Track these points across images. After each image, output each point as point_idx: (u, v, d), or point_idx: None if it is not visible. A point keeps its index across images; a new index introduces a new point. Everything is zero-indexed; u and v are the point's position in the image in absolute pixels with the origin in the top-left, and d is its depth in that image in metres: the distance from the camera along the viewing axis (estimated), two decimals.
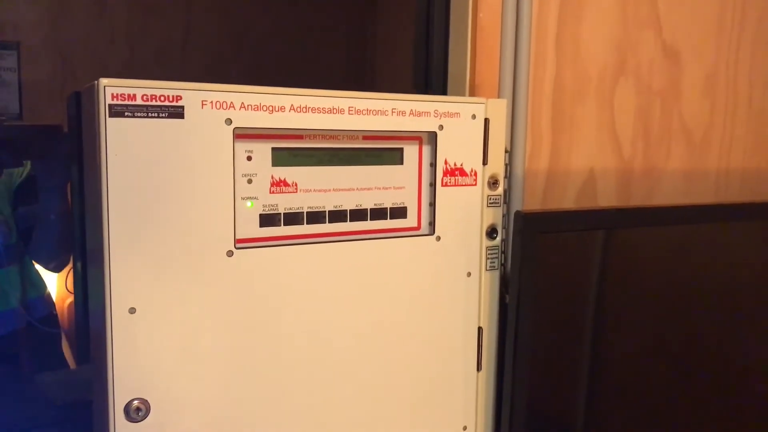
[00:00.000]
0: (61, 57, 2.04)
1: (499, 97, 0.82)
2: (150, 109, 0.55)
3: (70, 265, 1.39)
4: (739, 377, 0.90)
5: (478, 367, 0.75)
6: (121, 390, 0.57)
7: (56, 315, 1.50)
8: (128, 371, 0.57)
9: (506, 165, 0.76)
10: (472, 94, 0.82)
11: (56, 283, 1.66)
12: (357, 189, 0.68)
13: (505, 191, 0.76)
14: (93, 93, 0.55)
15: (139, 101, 0.55)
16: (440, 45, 0.84)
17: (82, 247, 0.69)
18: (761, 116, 1.07)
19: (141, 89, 0.55)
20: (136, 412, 0.58)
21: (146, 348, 0.57)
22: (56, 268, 1.43)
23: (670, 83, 0.98)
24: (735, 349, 0.89)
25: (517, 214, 0.70)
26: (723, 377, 0.89)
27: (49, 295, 1.46)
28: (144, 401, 0.58)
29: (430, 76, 0.85)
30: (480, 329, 0.75)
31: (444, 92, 0.84)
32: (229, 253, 0.60)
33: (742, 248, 0.88)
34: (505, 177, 0.76)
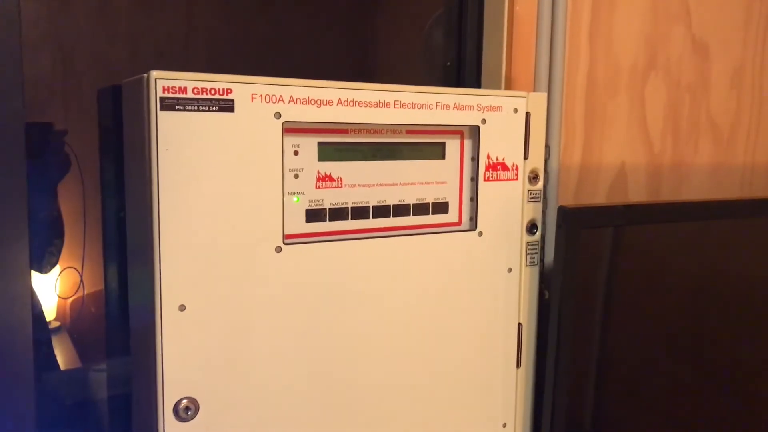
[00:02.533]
0: (62, 53, 2.01)
1: (534, 90, 0.81)
2: (201, 102, 0.54)
3: (59, 267, 1.37)
4: None
5: (518, 364, 0.75)
6: (171, 389, 0.56)
7: (43, 316, 1.46)
8: (178, 370, 0.56)
9: (546, 160, 0.75)
10: (508, 87, 0.81)
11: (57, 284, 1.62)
12: (400, 184, 0.67)
13: (544, 186, 0.75)
14: (141, 86, 0.54)
15: (190, 94, 0.54)
16: (473, 38, 0.83)
17: (118, 245, 0.68)
18: None
19: (192, 82, 0.54)
20: (185, 411, 0.56)
21: (196, 346, 0.56)
22: (44, 269, 1.40)
23: (699, 78, 0.98)
24: None
25: (561, 208, 0.69)
26: None
27: (35, 297, 1.43)
28: (193, 400, 0.57)
29: (463, 69, 0.84)
30: (519, 325, 0.74)
31: (478, 86, 0.84)
32: (278, 249, 0.59)
33: None
34: (545, 172, 0.75)
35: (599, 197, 0.91)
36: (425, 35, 0.97)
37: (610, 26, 0.89)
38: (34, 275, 1.35)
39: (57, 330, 1.67)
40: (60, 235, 1.37)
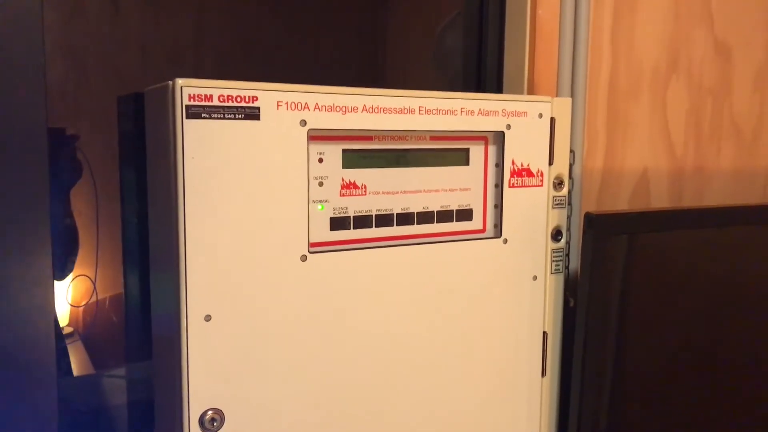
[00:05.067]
0: (73, 59, 2.01)
1: (557, 95, 0.80)
2: (226, 110, 0.53)
3: (72, 274, 1.37)
4: None
5: (543, 373, 0.74)
6: (196, 401, 0.55)
7: (58, 324, 1.45)
8: (203, 381, 0.55)
9: (570, 165, 0.74)
10: (530, 92, 0.80)
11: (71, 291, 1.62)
12: (424, 191, 0.66)
13: (569, 192, 0.74)
14: (166, 94, 0.53)
15: (215, 102, 0.53)
16: (494, 42, 0.83)
17: (134, 252, 0.68)
18: None
19: (218, 89, 0.53)
20: (211, 422, 0.56)
21: (221, 356, 0.56)
22: (60, 276, 1.39)
23: (721, 80, 0.96)
24: None
25: (587, 215, 0.68)
26: None
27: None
28: (218, 411, 0.56)
29: (483, 73, 0.83)
30: (545, 334, 0.73)
31: (499, 90, 0.83)
32: (303, 258, 0.58)
33: None
34: (570, 178, 0.74)
35: (621, 203, 0.90)
36: (442, 38, 0.97)
37: (632, 29, 0.87)
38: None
39: (70, 335, 1.67)
40: (75, 240, 1.37)
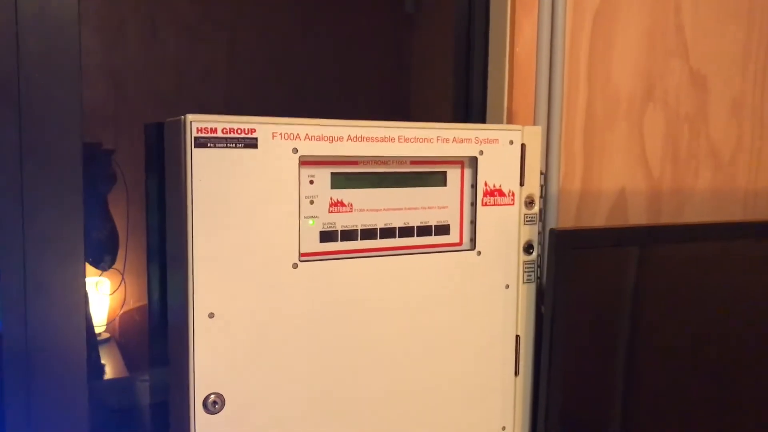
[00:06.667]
0: (114, 82, 2.17)
1: (534, 123, 0.89)
2: (229, 140, 0.64)
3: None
4: None
5: (516, 372, 0.82)
6: (201, 386, 0.65)
7: (92, 326, 1.60)
8: (206, 369, 0.65)
9: (542, 186, 0.83)
10: (510, 120, 0.89)
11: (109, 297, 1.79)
12: (405, 209, 0.75)
13: (540, 210, 0.82)
14: (179, 126, 0.64)
15: (219, 134, 0.63)
16: (479, 76, 0.92)
17: (160, 258, 0.78)
18: None
19: (221, 123, 0.63)
20: (213, 405, 0.66)
21: (222, 348, 0.65)
22: (103, 267, 1.57)
23: (698, 108, 1.04)
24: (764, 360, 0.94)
25: (552, 231, 0.77)
26: (754, 387, 0.93)
27: (87, 309, 1.57)
28: (220, 395, 0.66)
29: (470, 104, 0.93)
30: (518, 337, 0.82)
31: (483, 119, 0.92)
32: (294, 266, 0.68)
33: None
34: (541, 197, 0.82)
35: (600, 220, 0.98)
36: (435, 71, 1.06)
37: (609, 61, 0.96)
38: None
39: (107, 341, 1.81)
40: (114, 236, 1.57)
